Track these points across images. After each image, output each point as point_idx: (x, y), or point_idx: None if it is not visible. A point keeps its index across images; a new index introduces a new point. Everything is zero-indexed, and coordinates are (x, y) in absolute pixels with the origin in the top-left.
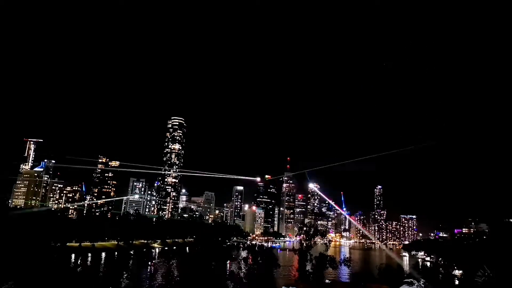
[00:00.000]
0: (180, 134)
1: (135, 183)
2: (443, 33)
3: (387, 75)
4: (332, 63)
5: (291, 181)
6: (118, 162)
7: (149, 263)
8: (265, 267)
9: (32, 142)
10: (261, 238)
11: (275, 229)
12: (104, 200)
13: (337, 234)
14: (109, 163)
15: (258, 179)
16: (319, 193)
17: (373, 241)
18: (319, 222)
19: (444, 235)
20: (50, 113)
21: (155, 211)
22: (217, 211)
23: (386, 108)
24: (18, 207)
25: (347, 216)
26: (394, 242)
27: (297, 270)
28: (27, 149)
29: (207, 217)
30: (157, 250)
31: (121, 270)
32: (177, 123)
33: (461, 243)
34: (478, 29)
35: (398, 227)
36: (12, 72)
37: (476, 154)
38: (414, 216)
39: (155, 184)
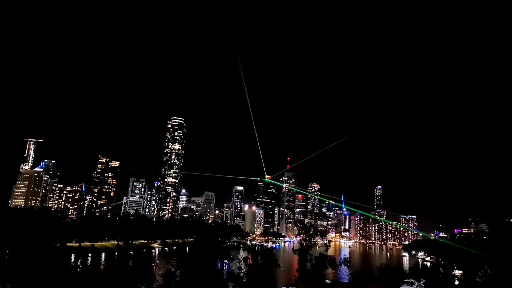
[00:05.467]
0: (180, 134)
1: (135, 183)
2: (440, 34)
3: (384, 75)
4: (332, 63)
5: (291, 181)
6: (118, 162)
7: (149, 263)
8: (265, 267)
9: (32, 142)
10: (261, 238)
11: (275, 229)
12: (104, 200)
13: (337, 234)
14: (109, 163)
15: (259, 179)
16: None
17: (373, 241)
18: (319, 222)
19: (444, 235)
20: (50, 113)
21: (155, 211)
22: (217, 211)
23: (386, 108)
24: (18, 207)
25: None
26: (394, 242)
27: (297, 270)
28: (27, 149)
29: (207, 217)
30: (157, 250)
31: (121, 270)
32: (177, 123)
33: (461, 243)
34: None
35: (398, 227)
36: (12, 72)
37: (476, 154)
38: (414, 216)
39: (155, 184)
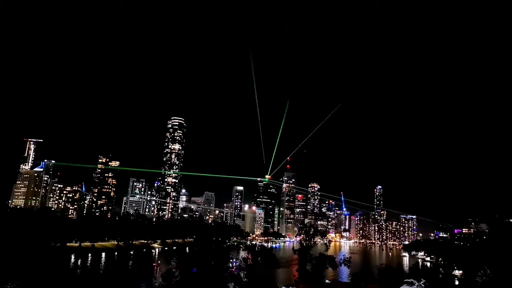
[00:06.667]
0: (180, 134)
1: (135, 183)
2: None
3: (384, 75)
4: (332, 62)
5: (291, 181)
6: (118, 162)
7: (149, 263)
8: (265, 267)
9: (32, 142)
10: (261, 238)
11: (275, 229)
12: (104, 200)
13: (337, 234)
14: (109, 163)
15: (259, 179)
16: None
17: (373, 241)
18: (319, 222)
19: (444, 235)
20: (50, 113)
21: (155, 211)
22: (217, 211)
23: (386, 107)
24: (18, 207)
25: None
26: (394, 242)
27: (297, 270)
28: (27, 149)
29: (207, 217)
30: (157, 250)
31: (121, 270)
32: (177, 123)
33: (461, 243)
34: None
35: (398, 227)
36: (12, 72)
37: (476, 154)
38: (414, 216)
39: (155, 184)
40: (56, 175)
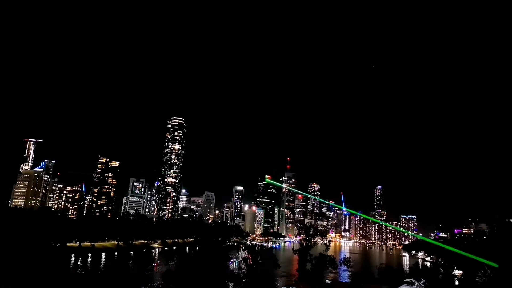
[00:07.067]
0: (180, 134)
1: (135, 183)
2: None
3: (384, 75)
4: (331, 62)
5: (291, 181)
6: (118, 162)
7: (149, 263)
8: (265, 267)
9: (32, 142)
10: (261, 238)
11: (275, 229)
12: (104, 200)
13: (337, 234)
14: (109, 163)
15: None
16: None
17: (373, 241)
18: (319, 222)
19: (444, 235)
20: (50, 113)
21: (155, 211)
22: (217, 211)
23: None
24: (18, 207)
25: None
26: (394, 242)
27: (297, 270)
28: (27, 149)
29: (207, 217)
30: (157, 250)
31: (121, 270)
32: (177, 123)
33: (461, 243)
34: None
35: (398, 227)
36: (12, 72)
37: (476, 154)
38: (414, 216)
39: (155, 184)
40: (56, 175)
